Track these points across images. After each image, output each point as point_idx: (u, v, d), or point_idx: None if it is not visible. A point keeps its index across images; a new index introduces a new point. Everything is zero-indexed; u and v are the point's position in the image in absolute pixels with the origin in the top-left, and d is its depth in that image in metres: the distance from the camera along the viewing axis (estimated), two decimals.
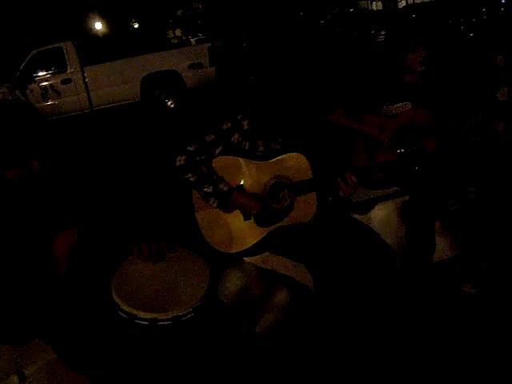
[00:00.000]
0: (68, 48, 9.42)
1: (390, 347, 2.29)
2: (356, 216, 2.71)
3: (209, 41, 10.94)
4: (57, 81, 9.39)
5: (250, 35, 14.11)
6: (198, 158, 2.15)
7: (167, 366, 1.53)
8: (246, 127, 2.24)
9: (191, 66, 9.78)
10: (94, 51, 9.68)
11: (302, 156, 2.24)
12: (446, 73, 2.94)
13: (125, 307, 1.45)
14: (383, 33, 13.20)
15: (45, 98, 9.31)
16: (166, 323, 1.44)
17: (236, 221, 2.22)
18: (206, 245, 2.20)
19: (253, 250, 2.30)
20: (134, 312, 1.44)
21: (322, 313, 2.26)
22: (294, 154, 2.24)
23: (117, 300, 1.48)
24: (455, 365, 2.18)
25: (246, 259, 2.37)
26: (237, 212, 2.22)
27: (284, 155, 2.24)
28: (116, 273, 1.60)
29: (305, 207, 2.25)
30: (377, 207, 2.81)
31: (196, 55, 9.84)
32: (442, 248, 2.88)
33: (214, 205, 2.16)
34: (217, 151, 2.20)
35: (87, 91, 9.46)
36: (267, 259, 2.41)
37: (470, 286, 2.67)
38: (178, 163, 2.14)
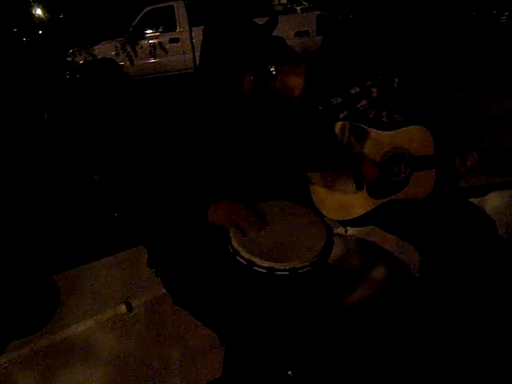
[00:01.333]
0: (179, 7, 9.61)
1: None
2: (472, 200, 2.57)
3: (315, 9, 10.62)
4: (165, 39, 9.64)
5: (357, 5, 13.63)
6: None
7: (280, 316, 1.54)
8: (374, 94, 2.17)
9: (297, 34, 9.66)
10: (204, 12, 9.79)
11: (425, 130, 2.13)
12: None
13: (244, 254, 1.46)
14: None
15: (152, 54, 9.60)
16: (283, 273, 1.43)
17: (348, 188, 2.18)
18: (313, 208, 2.18)
19: (359, 221, 2.25)
20: (253, 259, 1.45)
21: (424, 297, 2.19)
22: (417, 127, 2.14)
23: (237, 247, 1.50)
24: None
25: (350, 230, 2.33)
26: (350, 179, 2.18)
27: (407, 127, 2.14)
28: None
29: (421, 184, 2.16)
30: (493, 194, 2.64)
31: (303, 23, 9.70)
32: None
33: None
34: (341, 116, 2.16)
35: (193, 51, 9.63)
36: (372, 232, 2.36)
37: None
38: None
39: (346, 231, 2.32)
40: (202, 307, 1.62)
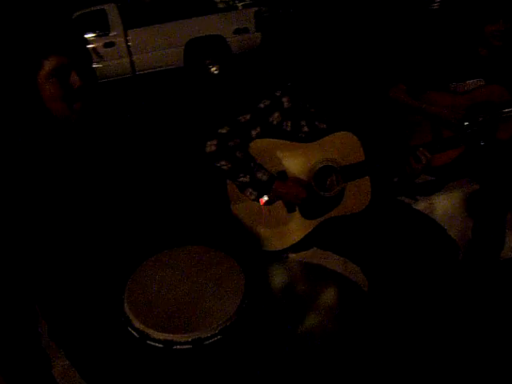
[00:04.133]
0: (111, 10, 9.16)
1: (448, 351, 2.02)
2: (419, 205, 2.37)
3: (255, 5, 10.39)
4: (99, 44, 9.17)
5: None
6: (231, 143, 1.85)
7: None
8: (286, 105, 1.92)
9: (237, 31, 9.38)
10: (138, 14, 9.36)
11: (351, 135, 1.90)
12: None
13: (136, 323, 1.18)
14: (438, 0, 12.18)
15: None
16: (184, 347, 1.14)
17: (279, 214, 1.92)
18: (245, 242, 1.92)
19: (299, 246, 2.01)
20: (147, 331, 1.16)
21: (375, 314, 1.97)
22: (342, 133, 1.91)
23: (128, 313, 1.21)
24: None
25: (291, 255, 2.08)
26: (279, 203, 1.92)
27: (331, 135, 1.91)
28: (131, 278, 1.31)
29: (357, 195, 1.93)
30: (441, 196, 2.45)
31: (242, 20, 9.43)
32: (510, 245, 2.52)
33: (252, 197, 1.87)
34: (254, 133, 1.90)
35: (130, 55, 9.22)
36: (315, 254, 2.11)
37: None
38: (208, 149, 1.85)
39: (286, 257, 2.07)
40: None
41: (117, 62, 9.28)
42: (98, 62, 9.19)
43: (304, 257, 2.09)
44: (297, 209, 1.92)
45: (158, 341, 1.15)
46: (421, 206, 2.33)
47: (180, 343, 1.15)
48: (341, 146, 1.91)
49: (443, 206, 2.42)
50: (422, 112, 2.46)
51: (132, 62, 9.27)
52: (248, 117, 1.91)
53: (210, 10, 10.28)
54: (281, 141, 1.91)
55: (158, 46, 9.27)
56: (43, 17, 1.37)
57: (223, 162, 1.84)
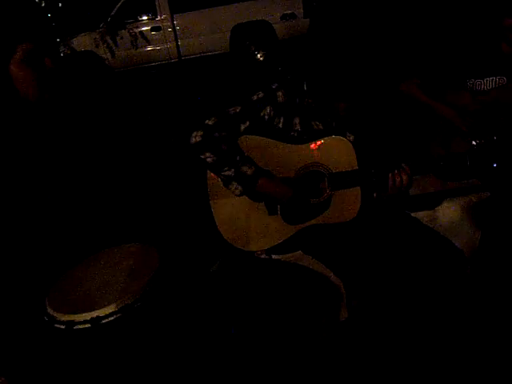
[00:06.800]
0: None
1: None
2: (420, 213, 2.25)
3: None
4: (147, 28, 9.28)
5: None
6: (217, 134, 1.79)
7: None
8: (280, 99, 1.84)
9: (283, 17, 9.24)
10: None
11: (346, 141, 1.81)
12: None
13: (49, 309, 1.25)
14: None
15: (134, 45, 9.26)
16: (84, 326, 1.19)
17: (259, 215, 1.87)
18: (221, 239, 1.88)
19: (280, 249, 1.95)
20: (54, 314, 1.24)
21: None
22: (336, 138, 1.82)
23: (46, 303, 1.30)
24: None
25: (275, 256, 2.02)
26: (260, 205, 1.87)
27: (324, 138, 1.82)
28: (63, 276, 1.38)
29: (345, 205, 1.84)
30: (446, 203, 2.31)
31: (289, 5, 9.27)
32: None
33: (237, 191, 1.81)
34: (242, 127, 1.83)
35: (176, 40, 9.28)
36: (302, 258, 2.05)
37: None
38: (193, 140, 1.80)
39: (270, 257, 2.02)
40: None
41: (163, 47, 9.37)
42: (145, 46, 9.34)
43: (291, 258, 2.03)
44: (278, 212, 1.86)
45: (62, 322, 1.20)
46: (421, 214, 2.21)
47: (80, 322, 1.19)
48: (333, 152, 1.83)
49: (447, 213, 2.28)
50: (432, 111, 2.32)
51: (178, 47, 9.33)
52: (238, 109, 1.84)
53: None
54: (270, 140, 1.85)
55: (204, 31, 9.27)
56: (17, 4, 1.39)
57: (208, 154, 1.79)
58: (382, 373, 1.86)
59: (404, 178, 1.76)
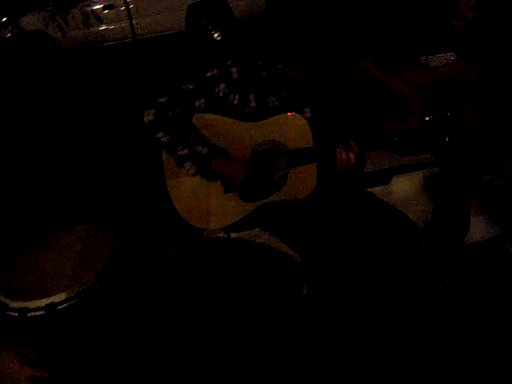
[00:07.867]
0: None
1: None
2: (375, 188, 2.29)
3: None
4: (99, 6, 8.97)
5: None
6: (170, 113, 1.77)
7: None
8: (235, 76, 1.83)
9: None
10: None
11: (301, 117, 1.82)
12: (503, 24, 2.34)
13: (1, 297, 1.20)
14: None
15: (86, 24, 8.95)
16: (37, 313, 1.16)
17: (216, 192, 1.86)
18: (179, 218, 1.86)
19: (241, 225, 1.96)
20: (5, 301, 1.21)
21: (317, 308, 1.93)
22: (291, 115, 1.82)
23: None
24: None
25: (233, 234, 2.03)
26: (217, 183, 1.86)
27: (279, 115, 1.82)
28: (11, 263, 1.34)
29: (301, 181, 1.86)
30: (400, 178, 2.36)
31: None
32: (476, 229, 2.43)
33: (191, 171, 1.80)
34: (197, 104, 1.81)
35: (130, 19, 9.02)
36: (260, 235, 2.06)
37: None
38: (145, 119, 1.77)
39: (228, 236, 2.02)
40: None
41: (117, 26, 9.11)
42: (97, 25, 9.05)
43: (249, 236, 2.04)
44: (236, 190, 1.86)
45: (14, 309, 1.17)
46: (376, 189, 2.25)
47: (33, 309, 1.16)
48: (288, 129, 1.83)
49: (401, 188, 2.34)
50: (387, 87, 2.34)
51: (132, 26, 9.08)
52: (192, 86, 1.82)
53: None
54: (225, 118, 1.83)
55: (159, 10, 9.04)
56: None
57: (161, 134, 1.77)
58: (339, 345, 1.90)
59: (351, 155, 1.77)
